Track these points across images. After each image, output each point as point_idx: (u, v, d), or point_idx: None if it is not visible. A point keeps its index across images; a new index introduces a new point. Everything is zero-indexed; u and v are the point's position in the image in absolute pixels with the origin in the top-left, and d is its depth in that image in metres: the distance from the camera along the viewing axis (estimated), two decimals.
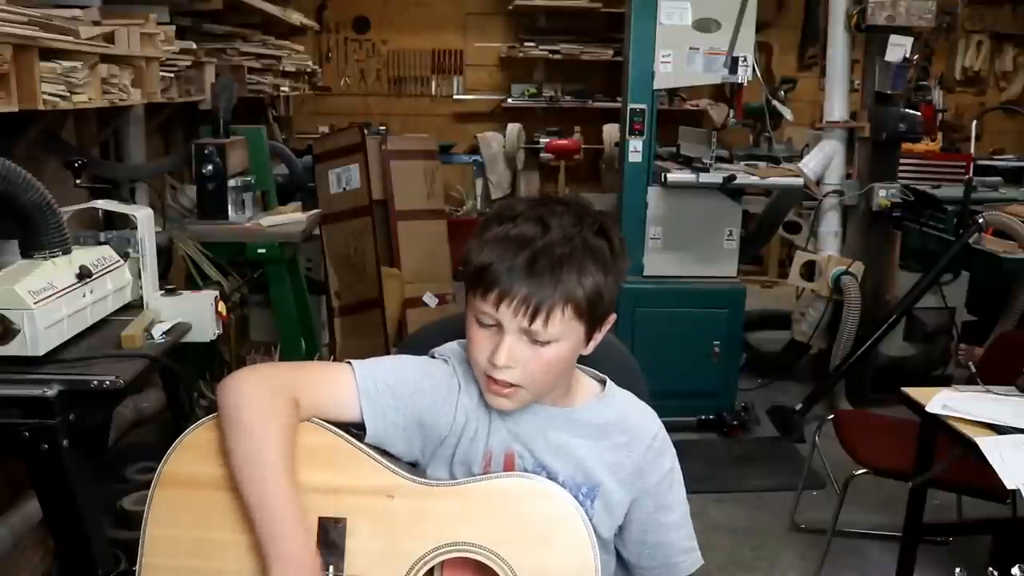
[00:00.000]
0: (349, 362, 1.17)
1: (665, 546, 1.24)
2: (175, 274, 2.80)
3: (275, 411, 1.09)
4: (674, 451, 1.24)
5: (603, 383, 1.25)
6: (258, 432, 1.08)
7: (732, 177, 3.64)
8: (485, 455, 1.18)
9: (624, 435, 1.21)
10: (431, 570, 1.13)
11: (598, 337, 1.17)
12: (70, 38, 2.04)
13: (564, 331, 1.10)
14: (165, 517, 1.14)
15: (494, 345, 1.10)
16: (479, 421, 1.18)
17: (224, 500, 1.13)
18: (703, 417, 3.83)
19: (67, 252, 1.82)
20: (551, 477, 1.17)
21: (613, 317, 1.17)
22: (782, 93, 5.80)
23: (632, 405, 1.25)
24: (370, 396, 1.14)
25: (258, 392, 1.10)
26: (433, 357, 1.23)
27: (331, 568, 1.11)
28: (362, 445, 1.14)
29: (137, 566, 1.14)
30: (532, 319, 1.08)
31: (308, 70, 5.15)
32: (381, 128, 5.58)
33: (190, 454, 1.14)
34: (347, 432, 1.15)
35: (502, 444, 1.18)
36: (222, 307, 2.09)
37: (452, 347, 1.23)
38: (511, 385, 1.12)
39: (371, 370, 1.16)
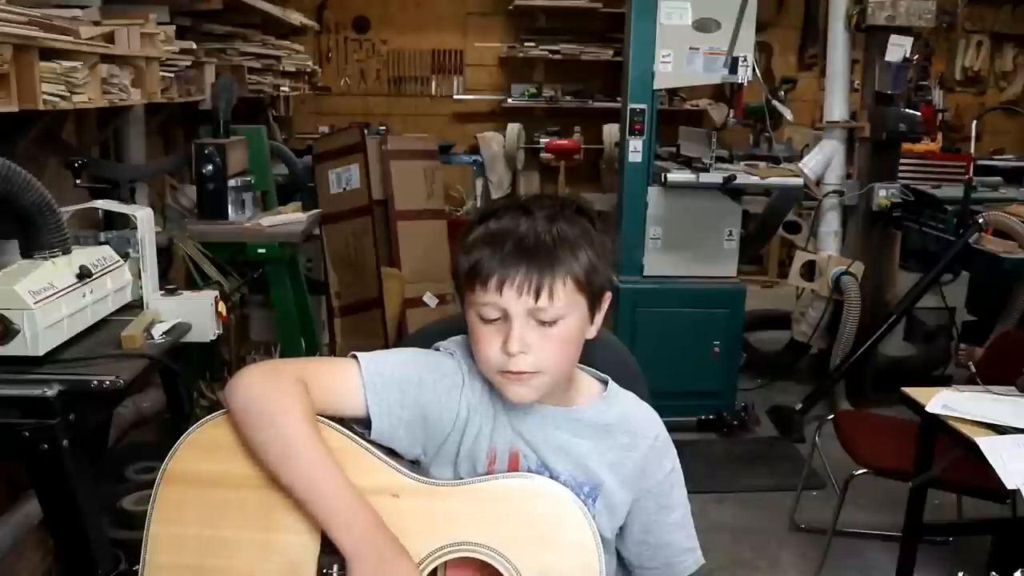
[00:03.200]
0: (355, 355, 1.17)
1: (666, 546, 1.24)
2: (175, 274, 2.80)
3: (294, 399, 1.09)
4: (675, 451, 1.25)
5: (605, 383, 1.25)
6: (284, 423, 1.08)
7: (732, 177, 3.64)
8: (489, 453, 1.18)
9: (626, 435, 1.21)
10: (435, 570, 1.13)
11: (599, 318, 1.17)
12: (70, 38, 2.04)
13: (569, 306, 1.11)
14: (170, 515, 1.14)
15: (503, 337, 1.10)
16: (483, 417, 1.18)
17: (230, 497, 1.13)
18: (703, 417, 3.83)
19: (67, 252, 1.82)
20: (553, 476, 1.17)
21: (609, 295, 1.18)
22: (782, 93, 5.80)
23: (634, 405, 1.25)
24: (376, 390, 1.14)
25: (271, 385, 1.10)
26: (437, 350, 1.23)
27: (336, 568, 1.11)
28: (367, 444, 1.14)
29: (141, 564, 1.14)
30: (537, 296, 1.08)
31: (308, 70, 5.15)
32: (381, 128, 5.57)
33: (195, 452, 1.14)
34: (351, 430, 1.14)
35: (507, 442, 1.18)
36: (222, 307, 2.09)
37: (458, 340, 1.23)
38: (528, 372, 1.12)
39: (377, 363, 1.16)
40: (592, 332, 1.17)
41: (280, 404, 1.09)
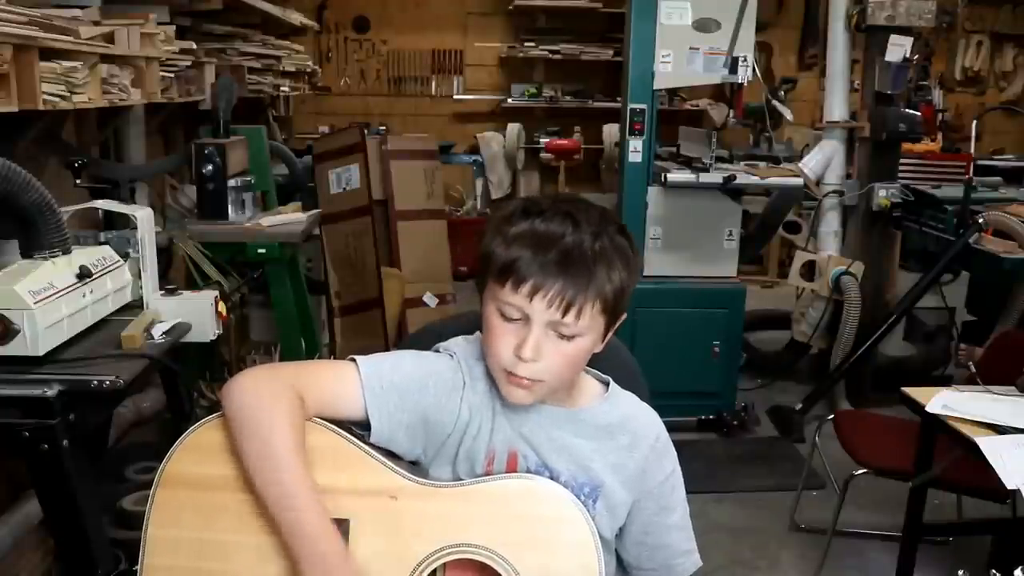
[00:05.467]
0: (353, 359, 1.17)
1: (664, 548, 1.24)
2: (175, 274, 2.80)
3: (283, 409, 1.09)
4: (675, 453, 1.25)
5: (606, 384, 1.25)
6: (268, 431, 1.08)
7: (732, 177, 3.64)
8: (488, 454, 1.18)
9: (627, 436, 1.21)
10: (434, 572, 1.13)
11: (610, 335, 1.18)
12: (70, 38, 2.04)
13: (590, 326, 1.11)
14: (167, 518, 1.14)
15: (519, 339, 1.10)
16: (483, 418, 1.18)
17: (227, 501, 1.12)
18: (703, 417, 3.83)
19: (67, 252, 1.82)
20: (554, 477, 1.17)
21: (625, 315, 1.18)
22: (782, 93, 5.79)
23: (635, 407, 1.25)
24: (375, 394, 1.14)
25: (263, 391, 1.10)
26: (438, 351, 1.23)
27: None
28: (365, 446, 1.14)
29: (139, 567, 1.14)
30: (565, 312, 1.08)
31: (308, 70, 5.15)
32: (381, 128, 5.58)
33: (192, 454, 1.14)
34: (350, 432, 1.14)
35: (505, 443, 1.18)
36: (222, 307, 2.09)
37: (458, 342, 1.23)
38: (532, 380, 1.12)
39: (375, 367, 1.16)
40: (600, 347, 1.17)
41: (269, 414, 1.08)
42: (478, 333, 1.23)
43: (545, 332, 1.10)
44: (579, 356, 1.14)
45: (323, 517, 1.08)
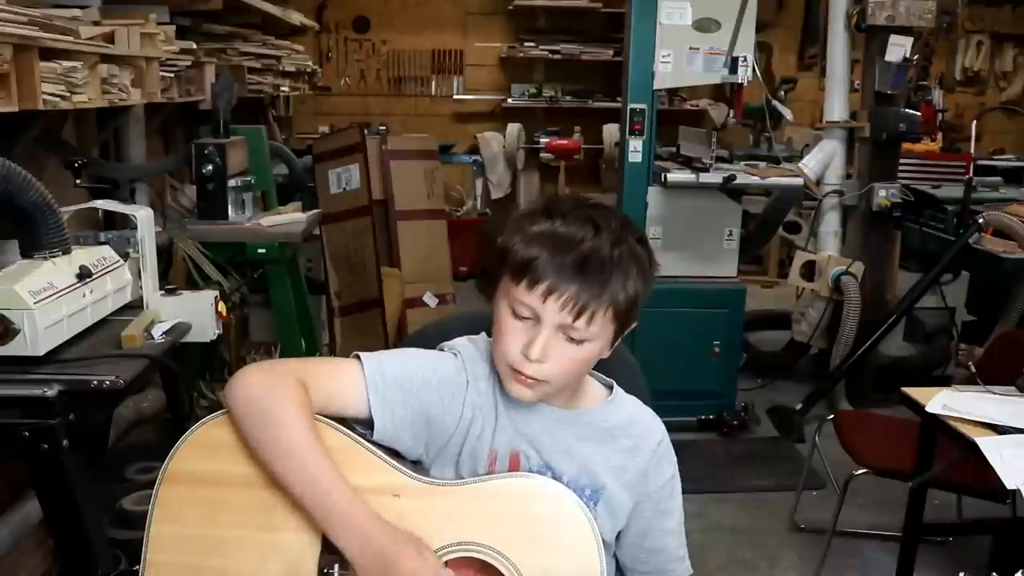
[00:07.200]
0: (357, 355, 1.16)
1: (660, 552, 1.25)
2: (175, 274, 2.80)
3: (293, 398, 1.09)
4: (675, 458, 1.25)
5: (610, 388, 1.25)
6: (283, 420, 1.07)
7: (732, 177, 3.64)
8: (491, 454, 1.18)
9: (630, 439, 1.21)
10: None
11: (618, 342, 1.18)
12: (70, 38, 2.04)
13: (600, 332, 1.12)
14: (170, 514, 1.14)
15: (528, 338, 1.10)
16: (485, 418, 1.18)
17: (230, 497, 1.13)
18: (703, 417, 3.83)
19: (67, 252, 1.82)
20: (556, 478, 1.17)
21: (635, 324, 1.18)
22: (782, 93, 5.80)
23: (638, 410, 1.25)
24: (378, 391, 1.13)
25: (271, 383, 1.10)
26: (442, 351, 1.23)
27: (336, 567, 1.11)
28: (368, 444, 1.14)
29: (141, 563, 1.14)
30: (577, 316, 1.09)
31: (308, 70, 5.15)
32: (381, 128, 5.58)
33: (196, 451, 1.14)
34: (352, 430, 1.14)
35: (508, 443, 1.18)
36: (222, 307, 2.09)
37: (462, 341, 1.23)
38: (537, 379, 1.12)
39: (379, 364, 1.15)
40: (607, 354, 1.18)
41: (279, 404, 1.08)
42: (483, 333, 1.23)
43: (554, 334, 1.10)
44: (586, 360, 1.14)
45: (354, 495, 1.08)
